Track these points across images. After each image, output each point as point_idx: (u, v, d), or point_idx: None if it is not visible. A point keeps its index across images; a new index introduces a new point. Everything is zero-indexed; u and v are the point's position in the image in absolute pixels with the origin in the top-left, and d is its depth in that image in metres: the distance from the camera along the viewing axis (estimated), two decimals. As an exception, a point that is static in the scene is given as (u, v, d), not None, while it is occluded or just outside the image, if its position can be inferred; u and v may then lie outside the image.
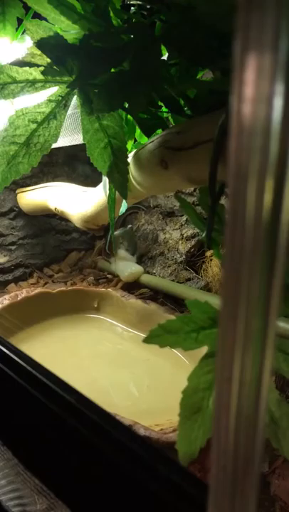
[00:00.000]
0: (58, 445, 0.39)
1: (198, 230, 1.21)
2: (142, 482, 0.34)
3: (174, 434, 0.70)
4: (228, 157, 0.17)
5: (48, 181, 1.26)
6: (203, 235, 0.45)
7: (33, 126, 0.57)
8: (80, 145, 1.15)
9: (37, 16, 0.61)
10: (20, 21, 0.75)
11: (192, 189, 1.21)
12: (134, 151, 0.67)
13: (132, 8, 0.65)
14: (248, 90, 0.16)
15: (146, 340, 0.42)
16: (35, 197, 1.20)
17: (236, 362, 0.20)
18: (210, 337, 0.44)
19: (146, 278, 1.21)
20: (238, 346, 0.20)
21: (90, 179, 1.37)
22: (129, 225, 1.36)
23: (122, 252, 1.27)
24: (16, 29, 0.75)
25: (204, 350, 0.46)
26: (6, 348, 0.40)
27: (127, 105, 0.59)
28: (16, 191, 1.25)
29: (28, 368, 0.42)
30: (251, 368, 0.20)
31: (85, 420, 0.37)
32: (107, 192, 0.64)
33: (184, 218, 1.27)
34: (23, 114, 0.56)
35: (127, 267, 1.23)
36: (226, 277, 0.19)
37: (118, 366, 1.00)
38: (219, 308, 0.20)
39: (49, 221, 1.34)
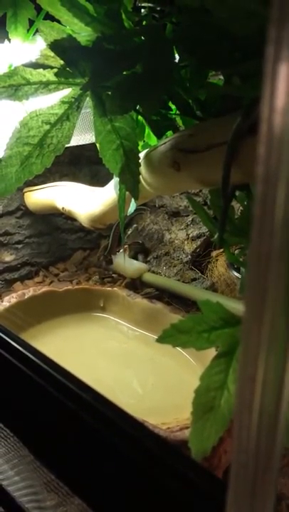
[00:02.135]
0: (74, 441, 0.40)
1: (203, 231, 1.21)
2: (157, 478, 0.34)
3: (182, 433, 0.70)
4: (257, 163, 0.17)
5: (54, 180, 1.26)
6: (216, 236, 0.46)
7: (47, 127, 0.57)
8: (86, 145, 1.16)
9: (49, 17, 0.61)
10: (31, 22, 0.76)
11: (198, 190, 1.22)
12: (143, 151, 0.68)
13: (143, 10, 0.66)
14: (279, 100, 0.16)
15: (160, 340, 0.43)
16: (42, 196, 1.21)
17: (260, 361, 0.20)
18: (221, 337, 0.45)
19: (151, 277, 1.22)
20: (263, 346, 0.20)
21: (97, 179, 1.37)
22: (134, 225, 1.37)
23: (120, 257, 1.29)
24: (27, 30, 0.76)
25: (211, 349, 0.47)
26: (27, 350, 0.41)
27: (138, 107, 0.59)
28: (23, 190, 1.25)
29: (43, 365, 0.42)
30: (274, 367, 0.20)
31: (100, 418, 0.38)
32: (118, 192, 0.64)
33: (190, 218, 1.27)
34: (36, 115, 0.57)
35: (130, 263, 1.24)
36: (251, 279, 0.20)
37: (124, 365, 1.00)
38: (244, 308, 0.21)
39: (55, 220, 1.35)
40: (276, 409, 0.22)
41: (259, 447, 0.22)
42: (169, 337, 0.44)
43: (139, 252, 1.32)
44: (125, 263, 1.24)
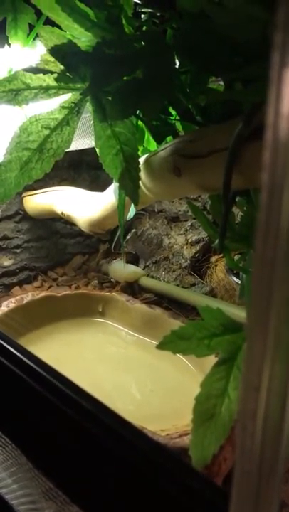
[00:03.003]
0: (72, 449, 0.39)
1: (203, 236, 1.21)
2: (158, 486, 0.34)
3: (181, 440, 0.70)
4: (262, 170, 0.17)
5: (53, 185, 1.26)
6: (216, 242, 0.46)
7: (46, 132, 0.57)
8: (86, 149, 1.15)
9: (49, 22, 0.62)
10: (31, 27, 0.76)
11: (197, 195, 1.22)
12: (143, 157, 0.67)
13: (143, 16, 0.66)
14: (285, 106, 0.16)
15: (160, 347, 0.43)
16: (41, 201, 1.21)
17: (265, 371, 0.20)
18: (222, 344, 0.45)
19: (150, 282, 1.22)
20: (267, 354, 0.20)
21: (96, 183, 1.37)
22: (134, 230, 1.37)
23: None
24: (27, 35, 0.76)
25: (211, 356, 0.47)
26: (25, 356, 0.41)
27: (138, 112, 0.59)
28: (22, 195, 1.25)
29: (41, 371, 0.42)
30: (279, 375, 0.20)
31: (99, 425, 0.38)
32: (118, 198, 0.64)
33: (189, 223, 1.27)
34: (36, 120, 0.57)
35: (126, 267, 1.24)
36: (255, 286, 0.20)
37: (122, 370, 1.00)
38: (247, 315, 0.21)
39: (54, 225, 1.35)
40: (280, 419, 0.21)
41: (263, 457, 0.22)
42: (169, 343, 0.43)
43: (132, 262, 1.32)
44: (119, 267, 1.24)
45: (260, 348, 0.20)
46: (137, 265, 1.32)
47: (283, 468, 0.22)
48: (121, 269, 1.24)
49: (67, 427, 0.39)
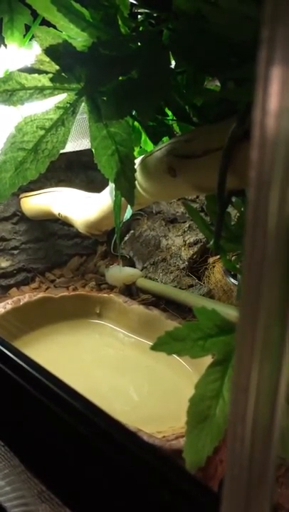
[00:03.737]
0: (65, 451, 0.39)
1: (200, 237, 1.21)
2: (150, 489, 0.33)
3: (177, 442, 0.69)
4: (250, 168, 0.17)
5: (51, 186, 1.26)
6: (211, 242, 0.45)
7: (41, 132, 0.57)
8: (83, 150, 1.15)
9: (45, 23, 0.61)
10: (27, 28, 0.76)
11: (195, 196, 1.22)
12: (139, 157, 0.67)
13: (139, 16, 0.66)
14: (272, 103, 0.16)
15: (154, 348, 0.42)
16: (38, 202, 1.21)
17: (253, 372, 0.20)
18: (217, 345, 0.44)
19: (147, 283, 1.22)
20: (256, 356, 0.20)
21: (93, 184, 1.37)
22: (131, 231, 1.37)
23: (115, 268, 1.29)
24: (24, 36, 0.75)
25: (207, 356, 0.46)
26: (15, 355, 0.40)
27: (134, 112, 0.59)
28: (20, 196, 1.25)
29: (35, 373, 0.42)
30: (269, 378, 0.20)
31: (92, 427, 0.37)
32: (114, 198, 0.64)
33: (187, 225, 1.27)
34: (31, 120, 0.57)
35: (123, 270, 1.24)
36: (245, 286, 0.20)
37: (119, 372, 1.00)
38: (237, 317, 0.20)
39: (52, 226, 1.35)
40: (270, 420, 0.21)
41: (253, 460, 0.22)
42: (163, 344, 0.43)
43: (128, 265, 1.32)
44: (116, 272, 1.24)
45: (249, 348, 0.20)
46: (134, 267, 1.31)
47: (274, 472, 0.22)
48: (118, 273, 1.24)
49: (62, 430, 0.39)
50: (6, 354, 0.44)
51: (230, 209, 0.52)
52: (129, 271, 1.25)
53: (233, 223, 0.53)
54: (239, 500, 0.22)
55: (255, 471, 0.22)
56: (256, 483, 0.22)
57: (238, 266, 0.59)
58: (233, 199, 0.55)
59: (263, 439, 0.21)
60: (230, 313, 0.91)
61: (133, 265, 1.33)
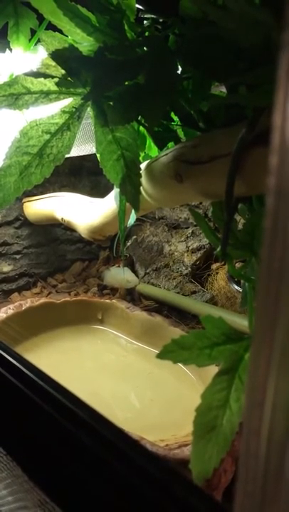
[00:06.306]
0: (67, 460, 0.38)
1: (204, 243, 1.20)
2: (155, 501, 0.33)
3: (180, 451, 0.68)
4: (268, 174, 0.16)
5: (54, 191, 1.26)
6: (218, 249, 0.45)
7: (47, 137, 0.57)
8: (86, 155, 1.15)
9: (51, 27, 0.61)
10: (32, 32, 0.75)
11: (199, 202, 1.21)
12: (144, 163, 0.67)
13: (146, 21, 0.66)
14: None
15: (160, 356, 0.42)
16: (41, 206, 1.20)
17: (269, 387, 0.19)
18: (224, 353, 0.44)
19: (150, 289, 1.21)
20: (272, 371, 0.19)
21: (96, 190, 1.37)
22: (134, 236, 1.36)
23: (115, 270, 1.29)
24: (29, 40, 0.75)
25: (211, 365, 0.46)
26: (17, 361, 0.40)
27: (140, 118, 0.59)
28: (23, 200, 1.25)
29: (36, 379, 0.41)
30: (285, 393, 0.19)
31: (95, 435, 0.37)
32: (118, 204, 0.63)
33: (190, 230, 1.26)
34: (36, 124, 0.56)
35: (121, 274, 1.24)
36: (260, 298, 0.19)
37: (121, 379, 0.99)
38: (253, 329, 0.20)
39: (54, 231, 1.34)
40: (286, 436, 0.20)
41: (267, 477, 0.21)
42: (169, 352, 0.42)
43: (128, 265, 1.32)
44: (114, 273, 1.24)
45: (265, 362, 0.19)
46: (133, 269, 1.31)
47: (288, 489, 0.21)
48: (115, 275, 1.24)
49: (64, 439, 0.38)
50: (8, 359, 0.43)
51: (235, 215, 0.52)
52: (127, 276, 1.25)
53: (238, 230, 0.52)
54: (252, 519, 0.22)
55: (270, 488, 0.21)
56: (270, 501, 0.21)
57: (243, 273, 0.58)
58: (239, 206, 0.54)
59: (278, 456, 0.20)
60: (234, 320, 0.90)
61: (132, 265, 1.32)
